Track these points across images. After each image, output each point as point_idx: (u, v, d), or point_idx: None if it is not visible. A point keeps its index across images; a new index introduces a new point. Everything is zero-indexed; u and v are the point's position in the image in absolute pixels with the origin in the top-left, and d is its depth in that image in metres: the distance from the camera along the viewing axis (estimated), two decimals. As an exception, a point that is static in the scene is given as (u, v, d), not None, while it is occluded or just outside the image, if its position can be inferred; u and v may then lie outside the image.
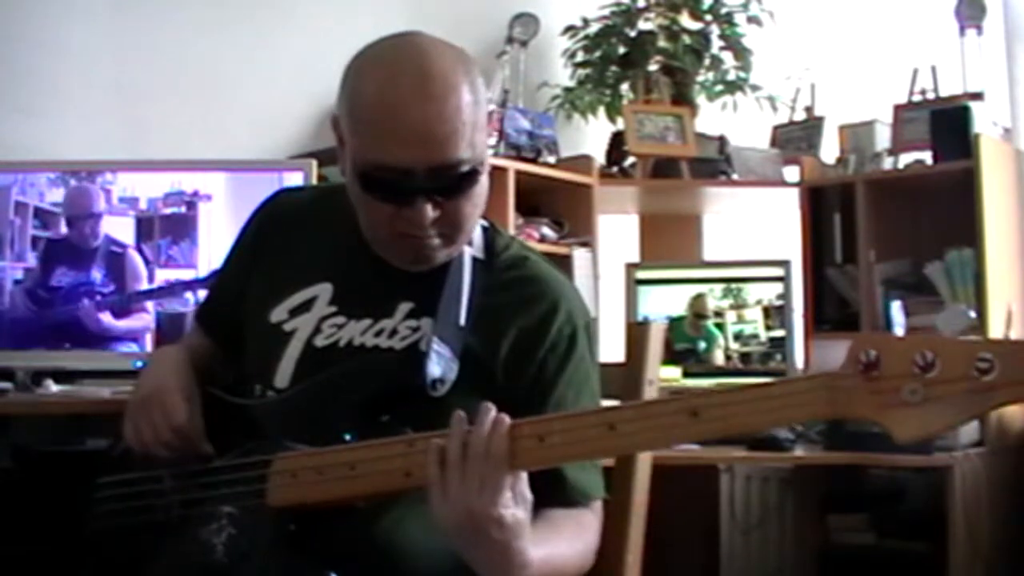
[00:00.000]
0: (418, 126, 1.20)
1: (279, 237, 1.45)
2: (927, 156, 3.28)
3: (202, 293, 2.37)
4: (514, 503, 1.10)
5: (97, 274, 2.44)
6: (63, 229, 2.45)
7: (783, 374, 3.27)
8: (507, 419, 1.12)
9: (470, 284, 1.33)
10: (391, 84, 1.22)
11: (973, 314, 2.80)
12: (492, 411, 1.12)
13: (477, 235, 1.38)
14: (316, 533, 1.22)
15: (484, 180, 1.29)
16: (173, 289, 2.44)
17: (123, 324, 2.45)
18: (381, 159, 1.22)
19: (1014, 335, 2.97)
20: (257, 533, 1.22)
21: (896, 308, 3.02)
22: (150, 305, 2.44)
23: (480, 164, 1.26)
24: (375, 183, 1.24)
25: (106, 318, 2.43)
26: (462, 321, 1.30)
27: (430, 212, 1.24)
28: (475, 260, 1.35)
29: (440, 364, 1.25)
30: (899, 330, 2.93)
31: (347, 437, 1.23)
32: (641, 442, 1.12)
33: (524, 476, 1.13)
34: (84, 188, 2.46)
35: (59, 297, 2.43)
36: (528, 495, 1.13)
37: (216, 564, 1.23)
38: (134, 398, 1.37)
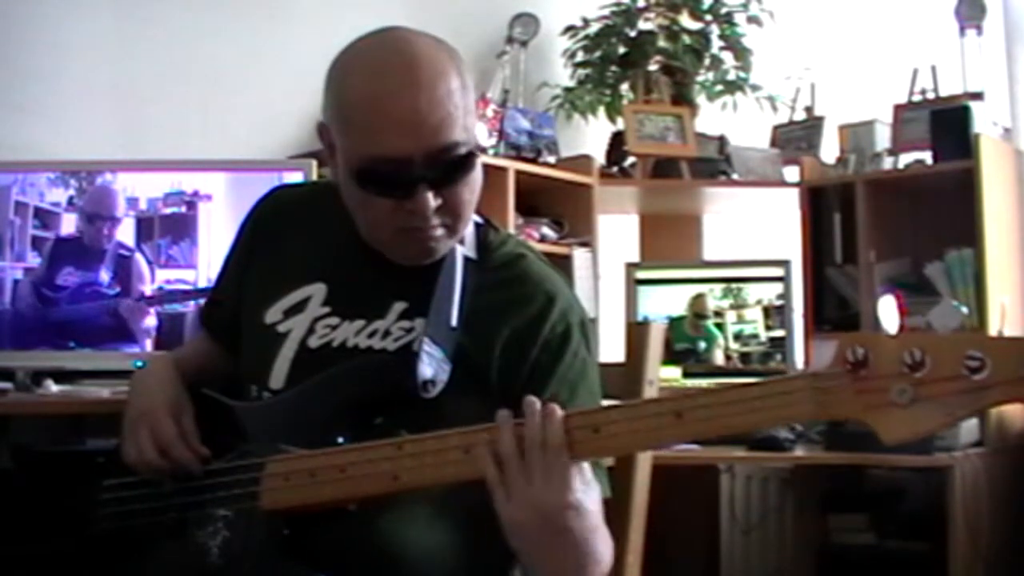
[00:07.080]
0: (411, 113, 1.19)
1: (273, 235, 1.44)
2: (927, 156, 3.28)
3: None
4: (584, 488, 1.09)
5: (105, 275, 2.43)
6: (71, 228, 2.43)
7: (782, 374, 3.27)
8: (558, 409, 1.10)
9: (461, 284, 1.31)
10: (378, 77, 1.21)
11: (966, 310, 2.78)
12: (538, 403, 1.10)
13: (469, 232, 1.37)
14: (310, 536, 1.22)
15: (479, 165, 1.29)
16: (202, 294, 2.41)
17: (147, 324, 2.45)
18: (377, 152, 1.21)
19: (1008, 332, 2.96)
20: (250, 536, 1.22)
21: (886, 303, 2.96)
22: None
23: (475, 147, 1.26)
24: (373, 178, 1.23)
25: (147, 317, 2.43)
26: (453, 322, 1.29)
27: (432, 200, 1.23)
28: (467, 259, 1.34)
29: (431, 365, 1.24)
30: (888, 327, 2.88)
31: (340, 440, 1.22)
32: (626, 444, 1.10)
33: (585, 464, 1.11)
34: (108, 189, 2.44)
35: (64, 296, 2.42)
36: (593, 480, 1.12)
37: (211, 567, 1.23)
38: (126, 420, 1.36)
